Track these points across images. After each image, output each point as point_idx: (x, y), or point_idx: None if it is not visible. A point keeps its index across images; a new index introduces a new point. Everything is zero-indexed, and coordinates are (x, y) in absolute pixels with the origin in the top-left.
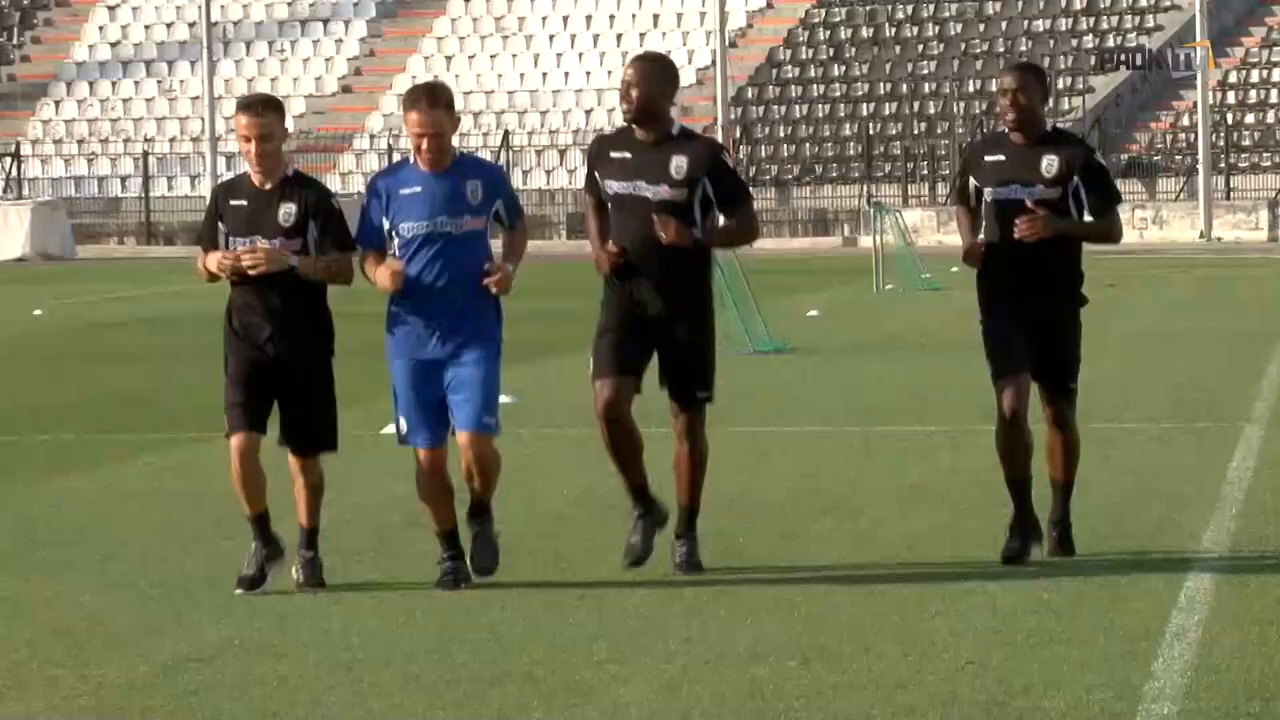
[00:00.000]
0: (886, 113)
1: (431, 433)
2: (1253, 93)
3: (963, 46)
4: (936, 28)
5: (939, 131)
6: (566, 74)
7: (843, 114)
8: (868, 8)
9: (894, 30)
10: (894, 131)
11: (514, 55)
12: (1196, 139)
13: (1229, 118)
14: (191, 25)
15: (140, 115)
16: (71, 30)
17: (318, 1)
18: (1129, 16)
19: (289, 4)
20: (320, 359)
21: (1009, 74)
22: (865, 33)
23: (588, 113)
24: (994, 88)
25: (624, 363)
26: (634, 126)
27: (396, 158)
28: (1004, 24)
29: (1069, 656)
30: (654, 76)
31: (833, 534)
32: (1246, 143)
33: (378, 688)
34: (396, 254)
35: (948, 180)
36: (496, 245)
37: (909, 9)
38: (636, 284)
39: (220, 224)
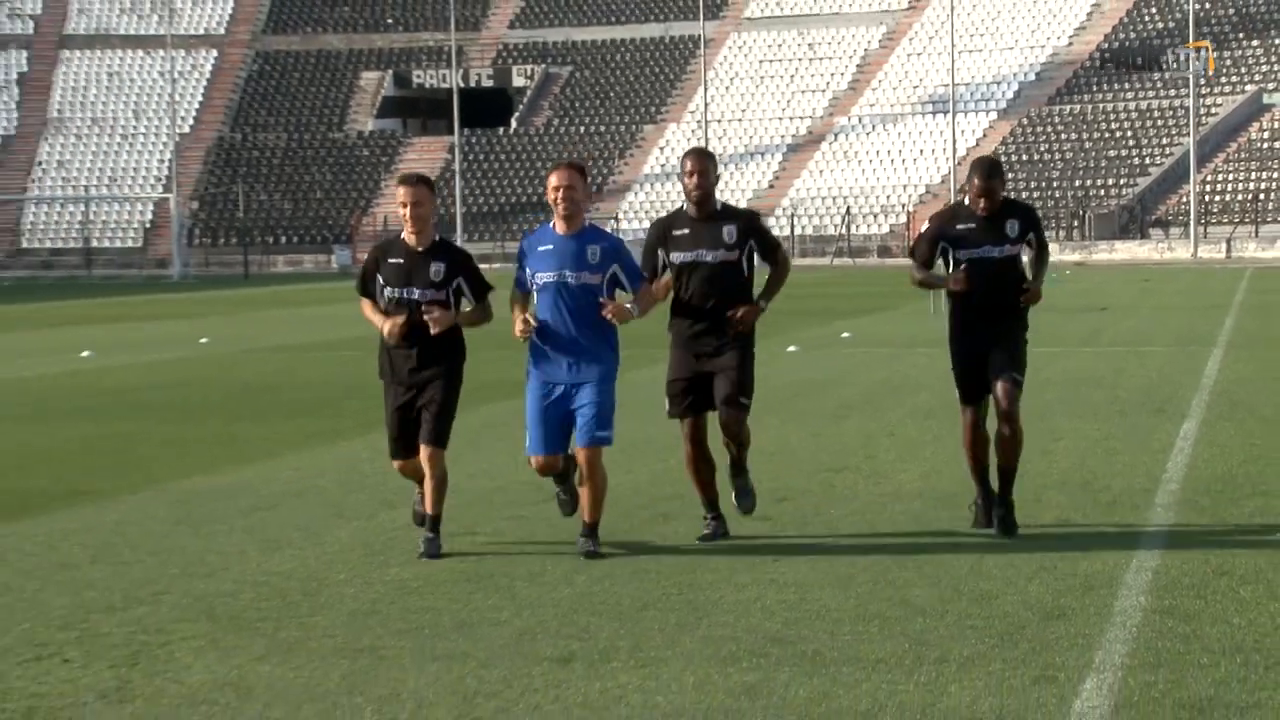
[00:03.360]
0: (1040, 197)
1: (546, 445)
2: (1219, 185)
3: (1081, 159)
4: (1069, 149)
5: (1066, 203)
6: (876, 178)
7: (1023, 197)
8: (1032, 140)
9: (1048, 149)
10: (1049, 205)
11: (846, 165)
12: (1190, 207)
13: (1206, 198)
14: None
15: None
16: None
17: (751, 141)
18: (1159, 140)
19: (745, 143)
20: (452, 375)
21: (973, 169)
22: (1032, 155)
23: (885, 197)
24: (1092, 181)
25: (696, 404)
26: (692, 207)
27: (797, 220)
28: (1101, 146)
29: (1122, 455)
30: (711, 168)
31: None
32: (1216, 209)
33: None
34: (535, 297)
35: (1080, 228)
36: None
37: (1054, 139)
38: (697, 333)
39: (379, 278)
